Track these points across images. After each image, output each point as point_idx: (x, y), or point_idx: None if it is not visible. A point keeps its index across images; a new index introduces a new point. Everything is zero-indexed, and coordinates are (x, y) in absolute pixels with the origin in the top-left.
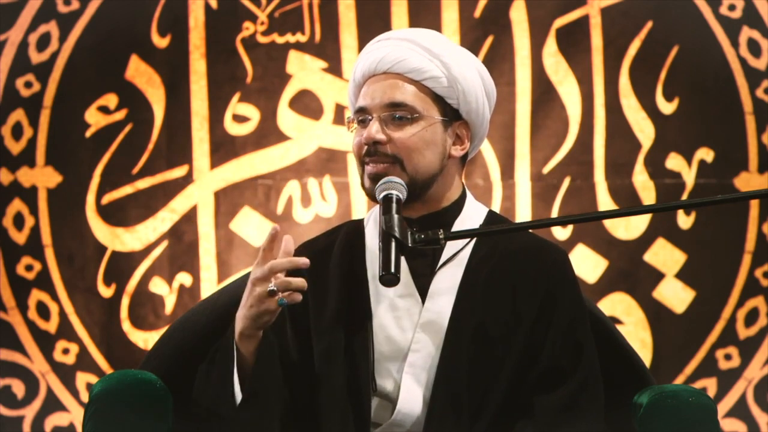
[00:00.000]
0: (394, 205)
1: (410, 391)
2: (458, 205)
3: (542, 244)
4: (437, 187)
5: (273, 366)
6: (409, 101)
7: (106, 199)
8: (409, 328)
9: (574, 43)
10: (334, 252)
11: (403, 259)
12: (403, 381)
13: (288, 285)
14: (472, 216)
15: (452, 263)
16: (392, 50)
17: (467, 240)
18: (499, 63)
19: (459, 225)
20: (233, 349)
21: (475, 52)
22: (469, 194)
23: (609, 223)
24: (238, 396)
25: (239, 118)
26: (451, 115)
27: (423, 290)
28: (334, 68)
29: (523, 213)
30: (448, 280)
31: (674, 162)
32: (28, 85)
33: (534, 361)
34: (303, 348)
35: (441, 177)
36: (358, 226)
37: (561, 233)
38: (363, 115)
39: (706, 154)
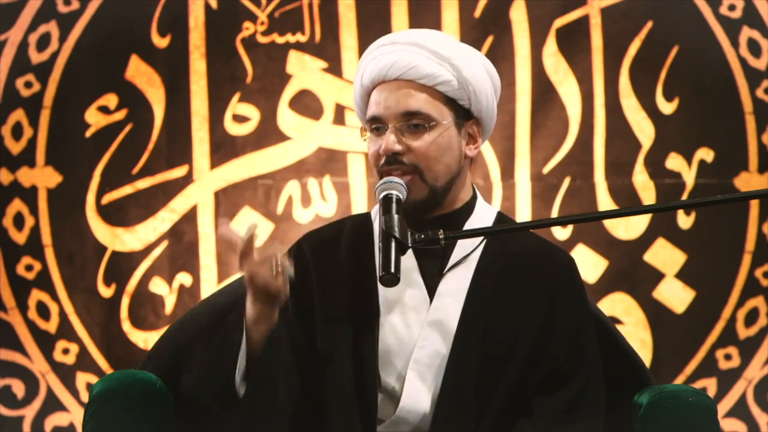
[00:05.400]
0: (393, 205)
1: (414, 387)
2: (469, 206)
3: (550, 248)
4: (454, 189)
5: (282, 354)
6: (424, 109)
7: (106, 199)
8: (416, 326)
9: (574, 43)
10: (342, 245)
11: (413, 257)
12: (407, 377)
13: (284, 264)
14: (482, 217)
15: (462, 265)
16: (401, 56)
17: (477, 243)
18: (499, 63)
19: (469, 227)
20: (242, 331)
21: None
22: (479, 195)
23: (609, 223)
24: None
25: (239, 118)
26: (462, 115)
27: (432, 290)
28: (334, 68)
29: (523, 213)
30: (457, 282)
31: (674, 162)
32: (28, 85)
33: (538, 363)
34: (307, 331)
35: (458, 179)
36: (365, 221)
37: (561, 233)
38: (377, 124)
39: (706, 154)
